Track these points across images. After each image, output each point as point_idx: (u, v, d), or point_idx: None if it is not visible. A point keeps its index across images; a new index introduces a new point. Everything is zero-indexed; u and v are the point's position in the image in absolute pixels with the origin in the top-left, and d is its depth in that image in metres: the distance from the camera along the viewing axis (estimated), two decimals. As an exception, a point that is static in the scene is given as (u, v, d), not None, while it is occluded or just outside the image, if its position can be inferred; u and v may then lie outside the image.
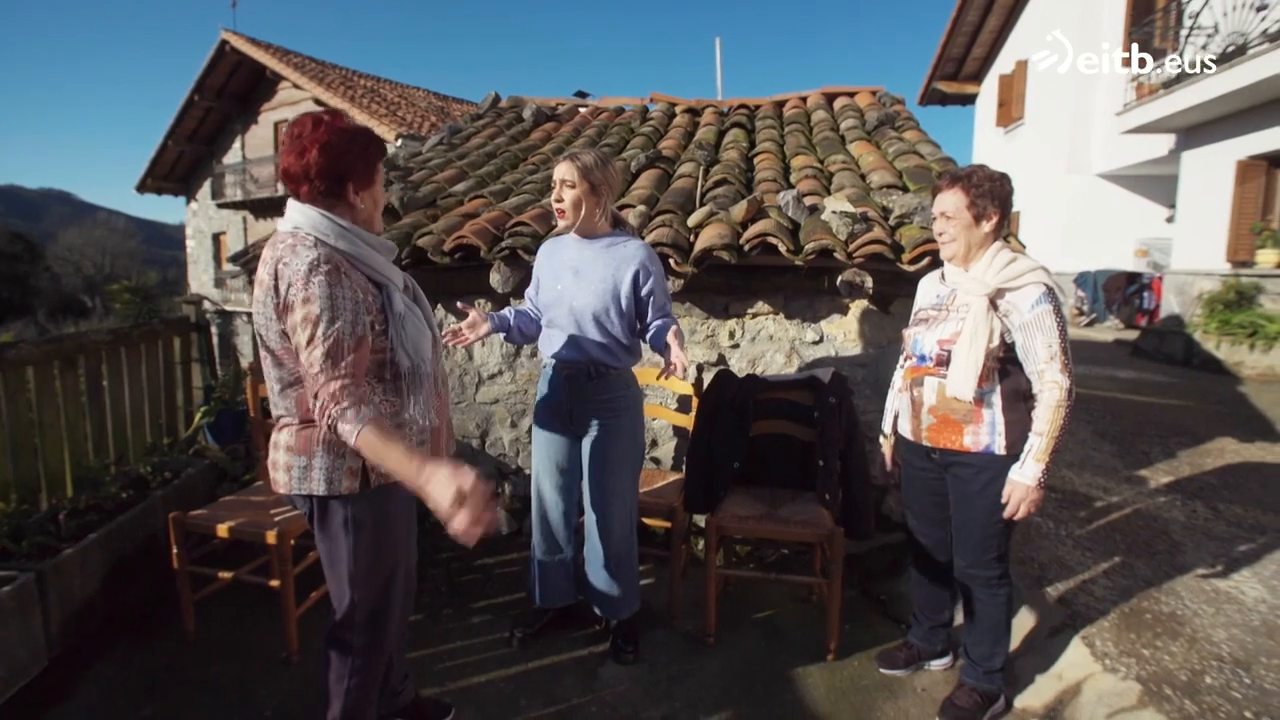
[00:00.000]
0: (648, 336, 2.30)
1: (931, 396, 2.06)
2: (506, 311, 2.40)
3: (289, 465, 1.60)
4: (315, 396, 1.46)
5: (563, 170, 2.22)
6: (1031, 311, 1.90)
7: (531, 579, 2.53)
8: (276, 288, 1.48)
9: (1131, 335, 9.05)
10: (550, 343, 2.34)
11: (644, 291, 2.24)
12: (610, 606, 2.45)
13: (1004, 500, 1.95)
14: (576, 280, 2.26)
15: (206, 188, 19.32)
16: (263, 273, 1.53)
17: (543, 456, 2.43)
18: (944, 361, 2.00)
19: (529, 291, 2.46)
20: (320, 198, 1.56)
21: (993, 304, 1.94)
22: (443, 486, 1.33)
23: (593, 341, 2.26)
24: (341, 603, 1.69)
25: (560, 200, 2.23)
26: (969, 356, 1.92)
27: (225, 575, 2.51)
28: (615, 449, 2.35)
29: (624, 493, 2.39)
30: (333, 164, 1.53)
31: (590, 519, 2.41)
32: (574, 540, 2.51)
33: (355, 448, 1.44)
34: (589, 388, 2.30)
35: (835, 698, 2.25)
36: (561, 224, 2.29)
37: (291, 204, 1.58)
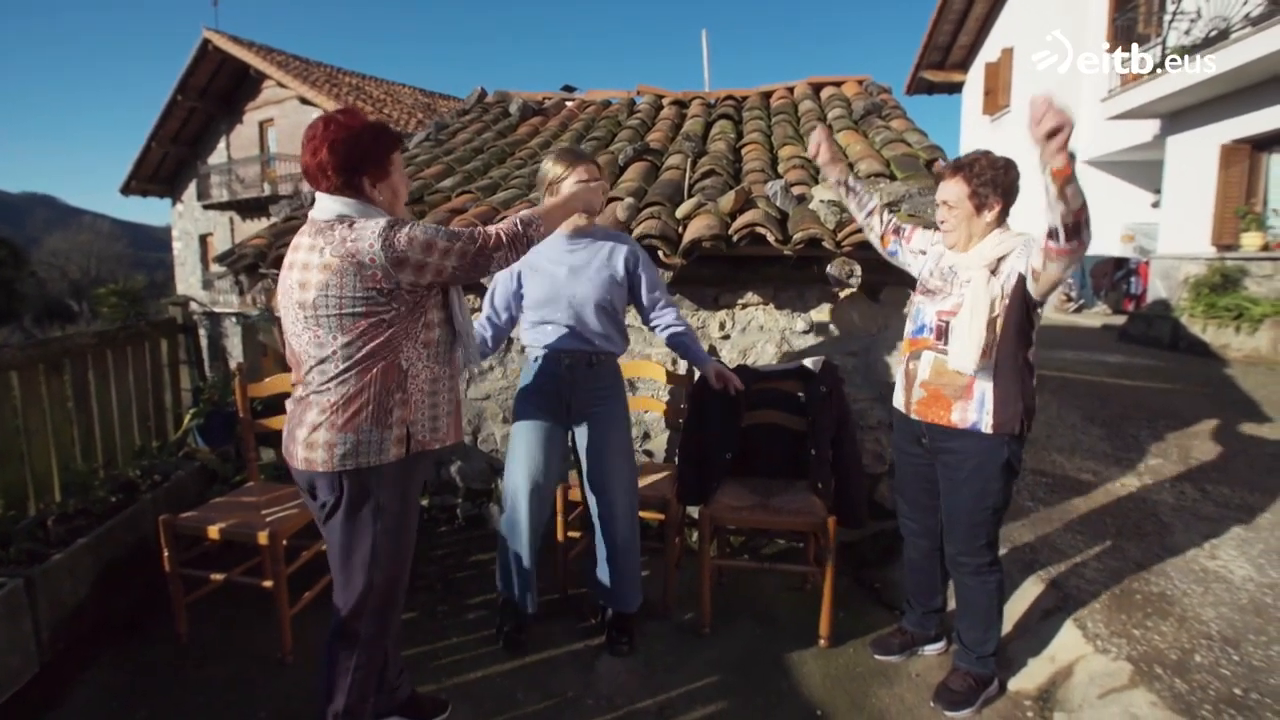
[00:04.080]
0: (659, 331, 2.45)
1: (925, 371, 2.06)
2: (483, 342, 2.41)
3: (330, 443, 1.61)
4: (489, 243, 1.68)
5: (559, 170, 2.25)
6: (1025, 247, 1.89)
7: (518, 584, 2.41)
8: (360, 263, 1.55)
9: (1119, 320, 9.13)
10: (546, 335, 2.34)
11: (637, 272, 2.37)
12: (618, 599, 2.45)
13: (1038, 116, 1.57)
14: (573, 275, 2.29)
15: (192, 189, 19.14)
16: (326, 258, 1.56)
17: (531, 450, 2.35)
18: (942, 334, 2.01)
19: (497, 298, 2.40)
20: (338, 193, 1.64)
21: (993, 274, 1.94)
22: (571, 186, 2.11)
23: (595, 331, 2.32)
24: (355, 590, 1.70)
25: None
26: (970, 328, 1.92)
27: (217, 577, 2.50)
28: (615, 436, 2.39)
29: (627, 478, 2.41)
30: (344, 159, 1.61)
31: (596, 509, 2.40)
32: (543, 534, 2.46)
33: (538, 226, 1.79)
34: (588, 376, 2.35)
35: (830, 685, 2.26)
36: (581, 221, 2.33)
37: (323, 196, 1.66)
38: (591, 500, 2.41)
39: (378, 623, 1.75)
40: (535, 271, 2.34)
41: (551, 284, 2.30)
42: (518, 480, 2.35)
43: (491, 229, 1.71)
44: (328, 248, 1.58)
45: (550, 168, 2.28)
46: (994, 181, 1.94)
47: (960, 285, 2.00)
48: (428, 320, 1.70)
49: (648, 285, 2.40)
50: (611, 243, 2.37)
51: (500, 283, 2.41)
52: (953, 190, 1.99)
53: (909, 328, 2.17)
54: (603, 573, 2.44)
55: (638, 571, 2.47)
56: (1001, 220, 1.99)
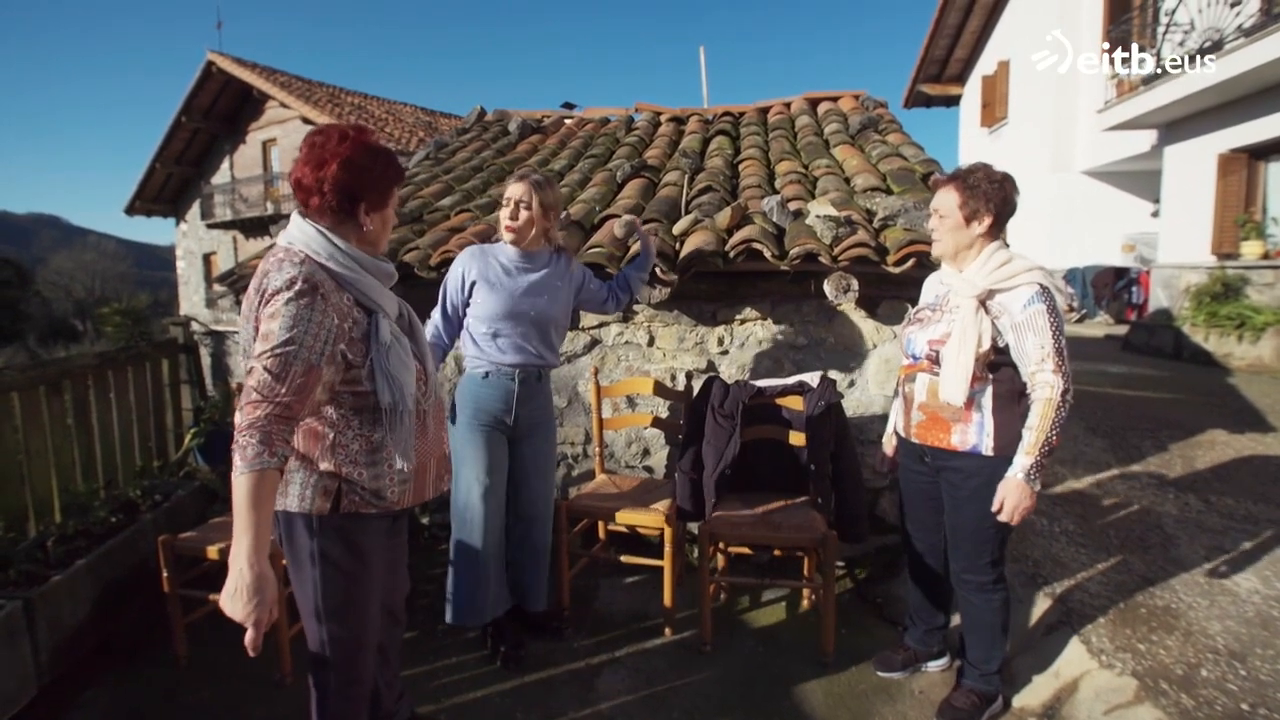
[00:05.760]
0: (615, 295, 2.68)
1: (922, 393, 2.06)
2: (434, 351, 2.32)
3: None
4: (241, 410, 1.36)
5: (519, 190, 2.36)
6: (1023, 312, 1.87)
7: (468, 599, 2.43)
8: (256, 302, 1.46)
9: (1121, 330, 9.11)
10: (502, 350, 2.39)
11: (582, 278, 2.61)
12: (537, 599, 2.62)
13: (996, 507, 1.90)
14: (535, 293, 2.40)
15: (196, 208, 19.29)
16: (252, 285, 1.49)
17: (482, 464, 2.40)
18: (934, 359, 2.00)
19: (454, 298, 2.41)
20: (329, 212, 1.50)
21: (983, 306, 1.92)
22: (241, 579, 1.33)
23: (548, 346, 2.48)
24: (311, 638, 1.64)
25: (515, 219, 2.35)
26: (958, 360, 1.91)
27: (215, 598, 2.47)
28: (550, 448, 2.61)
29: (553, 489, 2.65)
30: (350, 181, 1.48)
31: (528, 515, 2.55)
32: (505, 545, 2.53)
33: (238, 450, 1.32)
34: (535, 389, 2.48)
35: (833, 703, 2.24)
36: (509, 238, 2.39)
37: (294, 217, 1.53)
38: (525, 507, 2.54)
39: (342, 675, 1.63)
40: (489, 285, 2.37)
41: (508, 299, 2.36)
42: (472, 486, 2.39)
43: (263, 420, 1.33)
44: (260, 274, 1.47)
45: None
46: (987, 195, 1.92)
47: (951, 310, 1.99)
48: (351, 376, 1.49)
49: (588, 278, 2.62)
50: (570, 266, 2.55)
51: (468, 286, 2.40)
52: (944, 199, 1.99)
53: (903, 354, 2.18)
54: (534, 576, 2.59)
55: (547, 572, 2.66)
56: (995, 234, 1.97)
